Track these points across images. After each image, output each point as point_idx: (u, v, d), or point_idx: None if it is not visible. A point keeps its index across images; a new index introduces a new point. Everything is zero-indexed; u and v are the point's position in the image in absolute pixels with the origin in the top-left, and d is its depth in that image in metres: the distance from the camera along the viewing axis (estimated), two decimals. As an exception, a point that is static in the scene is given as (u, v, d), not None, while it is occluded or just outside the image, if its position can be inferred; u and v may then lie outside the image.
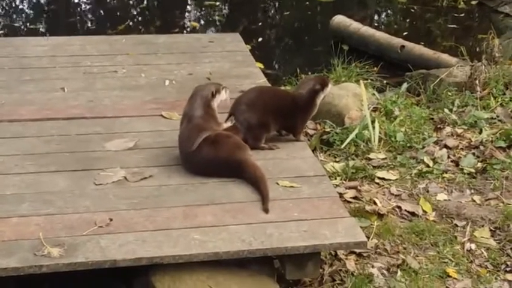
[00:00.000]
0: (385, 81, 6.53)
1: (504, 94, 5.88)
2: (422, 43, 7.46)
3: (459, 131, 5.36)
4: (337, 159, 4.99)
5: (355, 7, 9.95)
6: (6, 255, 3.31)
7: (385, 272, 3.88)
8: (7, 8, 9.69)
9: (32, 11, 9.71)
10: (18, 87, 5.13)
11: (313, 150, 4.76)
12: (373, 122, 5.16)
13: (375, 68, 6.46)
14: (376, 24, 9.02)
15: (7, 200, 3.76)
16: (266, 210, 3.76)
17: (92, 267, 3.35)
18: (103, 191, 3.90)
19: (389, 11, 10.13)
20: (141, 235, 3.52)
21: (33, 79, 5.27)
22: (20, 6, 9.83)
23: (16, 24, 9.08)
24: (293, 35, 9.12)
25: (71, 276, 3.50)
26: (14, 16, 9.46)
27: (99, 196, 3.84)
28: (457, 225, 4.29)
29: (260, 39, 8.48)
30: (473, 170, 4.84)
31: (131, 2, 10.24)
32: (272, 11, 10.19)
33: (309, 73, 6.44)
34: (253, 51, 6.14)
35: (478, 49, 7.15)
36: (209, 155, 4.04)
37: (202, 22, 9.52)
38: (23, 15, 9.58)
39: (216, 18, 9.57)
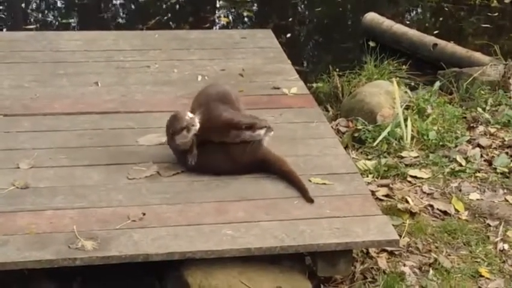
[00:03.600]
0: (418, 80, 6.50)
1: (538, 93, 5.85)
2: (452, 42, 7.40)
3: (492, 130, 5.33)
4: (369, 157, 4.97)
5: (386, 4, 9.91)
6: (40, 248, 3.34)
7: (417, 270, 3.87)
8: (40, 2, 9.76)
9: (63, 5, 9.78)
10: (52, 81, 5.15)
11: (345, 148, 4.74)
12: (405, 120, 5.14)
13: (404, 66, 6.44)
14: (407, 22, 8.96)
15: (41, 193, 3.79)
16: (311, 200, 3.78)
17: (125, 261, 3.36)
18: (136, 185, 3.91)
19: (420, 9, 10.07)
20: (174, 230, 3.53)
21: (66, 73, 5.29)
22: (52, 0, 9.90)
23: (48, 19, 9.14)
24: (323, 31, 9.10)
25: (103, 271, 3.52)
26: (46, 11, 9.52)
27: (132, 190, 3.86)
28: (489, 225, 4.27)
29: (289, 35, 8.45)
30: (506, 170, 4.81)
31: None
32: (303, 7, 10.18)
33: (337, 69, 6.39)
34: (281, 47, 6.11)
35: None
36: (227, 165, 4.02)
37: (232, 18, 9.53)
38: (55, 9, 9.64)
39: (246, 13, 9.57)
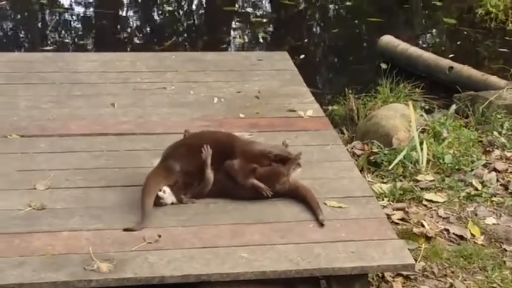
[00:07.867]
0: (433, 103, 6.49)
1: (554, 118, 5.83)
2: (467, 65, 7.36)
3: (508, 154, 5.31)
4: (384, 180, 4.97)
5: (402, 27, 9.91)
6: (56, 269, 3.35)
7: (432, 295, 3.86)
8: (56, 23, 9.82)
9: (80, 27, 9.83)
10: (69, 102, 5.18)
11: (360, 171, 4.73)
12: (421, 143, 5.13)
13: (417, 89, 6.44)
14: (423, 45, 8.96)
15: (57, 214, 3.80)
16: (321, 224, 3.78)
17: (140, 283, 3.36)
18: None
19: (436, 32, 10.07)
20: (189, 252, 3.53)
21: (83, 94, 5.32)
22: (69, 22, 9.96)
23: (66, 40, 9.20)
24: (339, 53, 9.11)
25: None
26: (63, 32, 9.58)
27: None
28: (506, 250, 4.25)
29: (302, 56, 8.44)
30: (522, 195, 4.80)
31: (178, 18, 10.32)
32: (318, 29, 10.20)
33: (352, 92, 6.40)
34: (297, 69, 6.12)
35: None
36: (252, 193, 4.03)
37: (247, 39, 9.56)
38: (72, 30, 9.70)
39: (261, 35, 9.59)
